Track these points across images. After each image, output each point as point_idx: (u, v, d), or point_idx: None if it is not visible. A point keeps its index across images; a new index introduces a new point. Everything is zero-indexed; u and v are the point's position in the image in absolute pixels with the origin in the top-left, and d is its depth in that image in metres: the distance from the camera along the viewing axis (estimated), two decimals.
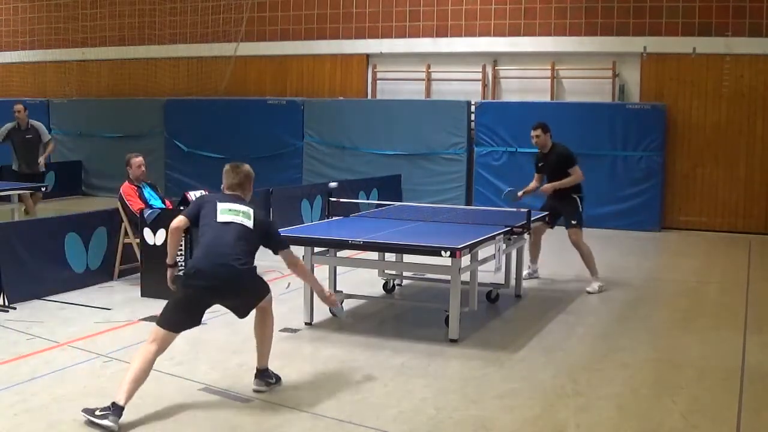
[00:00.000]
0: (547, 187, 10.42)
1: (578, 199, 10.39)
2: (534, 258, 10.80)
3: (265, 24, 19.64)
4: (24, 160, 14.15)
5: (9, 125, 14.17)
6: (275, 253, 6.30)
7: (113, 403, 5.40)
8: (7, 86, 22.54)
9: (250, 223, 6.06)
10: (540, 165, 10.69)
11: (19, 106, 14.27)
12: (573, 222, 10.27)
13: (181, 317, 5.80)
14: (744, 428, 5.68)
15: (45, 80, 22.36)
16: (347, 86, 19.03)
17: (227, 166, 6.43)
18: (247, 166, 6.47)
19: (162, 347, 5.73)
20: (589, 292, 10.06)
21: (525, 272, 10.41)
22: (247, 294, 6.05)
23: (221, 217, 6.02)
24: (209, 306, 5.97)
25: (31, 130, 14.10)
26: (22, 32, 22.68)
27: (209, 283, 5.78)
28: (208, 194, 6.46)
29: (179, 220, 6.15)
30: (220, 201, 6.15)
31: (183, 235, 6.45)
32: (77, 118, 20.68)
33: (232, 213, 6.06)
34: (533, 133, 10.51)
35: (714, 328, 8.59)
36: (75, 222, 10.01)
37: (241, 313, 6.16)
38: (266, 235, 6.19)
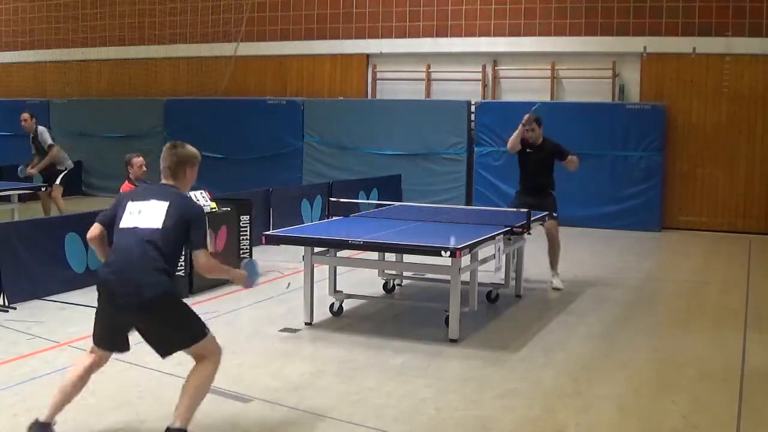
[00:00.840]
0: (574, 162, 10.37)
1: (554, 196, 10.43)
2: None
3: (265, 24, 19.65)
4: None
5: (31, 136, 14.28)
6: (191, 251, 5.17)
7: (36, 420, 5.05)
8: (7, 86, 22.57)
9: (158, 222, 5.03)
10: (529, 151, 10.32)
11: (24, 115, 14.19)
12: (555, 214, 10.24)
13: (99, 332, 5.22)
14: (744, 428, 5.67)
15: (45, 80, 22.38)
16: (347, 86, 19.03)
17: (166, 145, 5.38)
18: (188, 148, 5.34)
19: (95, 361, 5.23)
20: (556, 289, 10.15)
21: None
22: (159, 323, 5.05)
23: (125, 221, 5.12)
24: (126, 327, 5.18)
25: (37, 137, 14.06)
26: (22, 32, 22.70)
27: (113, 299, 5.04)
28: (127, 191, 5.57)
29: (93, 229, 5.40)
30: (133, 199, 5.21)
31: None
32: (77, 118, 20.69)
33: (139, 215, 5.12)
34: (529, 127, 10.24)
35: (714, 328, 8.59)
36: (75, 222, 9.99)
37: (161, 351, 5.18)
38: (186, 227, 5.06)
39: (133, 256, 4.97)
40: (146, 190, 5.35)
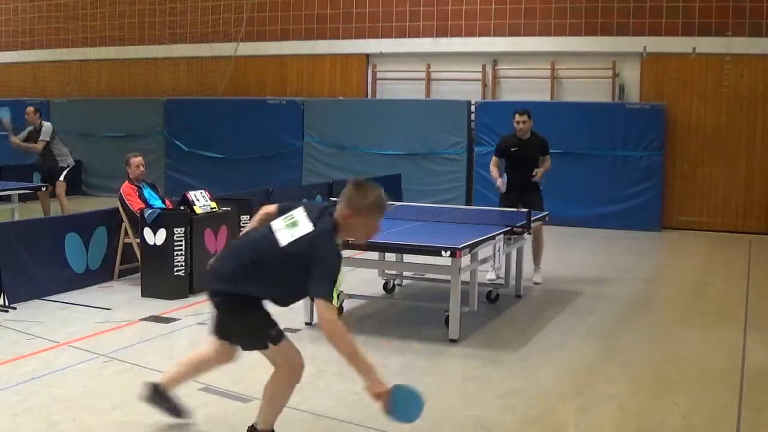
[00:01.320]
0: (541, 172, 10.37)
1: (540, 191, 10.53)
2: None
3: (265, 24, 19.65)
4: (40, 162, 14.33)
5: (30, 127, 14.09)
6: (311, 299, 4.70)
7: (153, 383, 5.40)
8: (8, 86, 22.56)
9: (285, 237, 4.66)
10: (513, 150, 10.42)
11: (28, 109, 14.15)
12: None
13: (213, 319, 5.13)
14: (744, 428, 5.67)
15: (45, 80, 22.37)
16: (347, 86, 19.03)
17: (353, 181, 4.84)
18: (364, 193, 4.68)
19: (211, 352, 5.27)
20: (537, 283, 10.34)
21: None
22: (227, 325, 5.00)
23: (276, 221, 4.83)
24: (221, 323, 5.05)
25: (39, 132, 13.98)
26: (22, 32, 22.69)
27: (208, 289, 5.06)
28: (314, 203, 5.14)
29: (270, 206, 5.16)
30: (303, 207, 4.85)
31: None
32: (77, 118, 20.67)
33: (284, 220, 4.79)
34: (521, 118, 10.36)
35: (714, 327, 8.59)
36: (75, 222, 10.01)
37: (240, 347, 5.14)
38: (303, 263, 4.52)
39: (241, 250, 4.81)
40: (315, 208, 4.81)
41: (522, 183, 10.38)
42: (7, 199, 12.79)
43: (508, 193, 10.41)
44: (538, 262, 10.57)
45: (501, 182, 10.40)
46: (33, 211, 13.20)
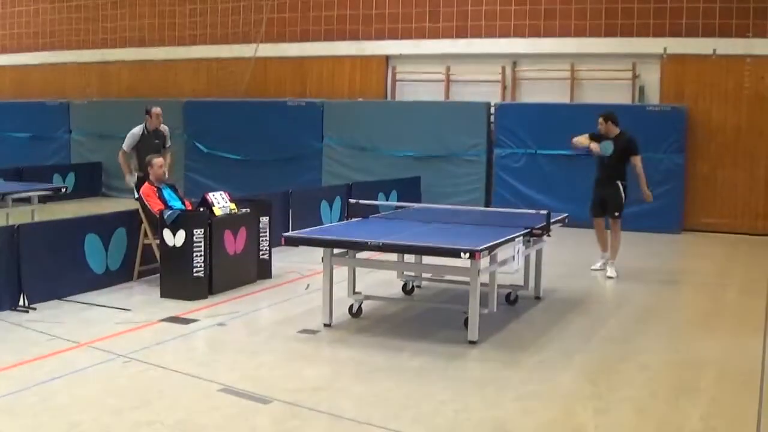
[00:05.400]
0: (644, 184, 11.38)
1: (622, 187, 11.13)
2: (604, 247, 11.45)
3: (284, 25, 19.69)
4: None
5: (137, 130, 12.59)
6: None
7: None
8: (28, 87, 22.71)
9: None
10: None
11: (158, 110, 12.75)
12: (616, 214, 11.08)
13: None
14: (764, 430, 5.64)
15: (65, 81, 22.50)
16: (367, 88, 19.02)
17: None
18: None
19: None
20: (609, 277, 10.95)
21: (599, 263, 11.37)
22: None
23: None
24: None
25: (160, 134, 12.77)
26: (42, 33, 22.84)
27: None
28: None
29: None
30: None
31: None
32: (97, 120, 20.76)
33: None
34: (600, 120, 11.21)
35: (734, 329, 8.54)
36: (95, 223, 10.05)
37: None
38: None
39: None
40: None
41: (604, 179, 11.17)
42: (27, 200, 12.85)
43: (594, 189, 11.31)
44: (614, 256, 11.18)
45: (594, 145, 11.14)
46: (52, 212, 13.27)
